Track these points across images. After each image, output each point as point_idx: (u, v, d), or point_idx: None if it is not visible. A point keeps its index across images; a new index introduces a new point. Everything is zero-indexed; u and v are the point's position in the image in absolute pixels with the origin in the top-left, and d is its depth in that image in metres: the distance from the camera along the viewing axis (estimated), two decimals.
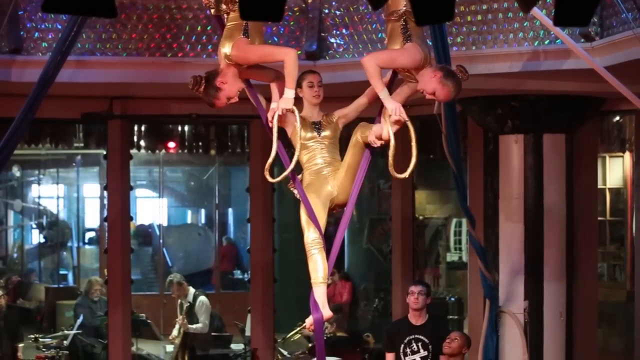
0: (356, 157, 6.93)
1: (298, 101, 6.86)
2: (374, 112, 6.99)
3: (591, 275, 11.47)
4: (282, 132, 6.88)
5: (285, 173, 6.79)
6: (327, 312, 6.88)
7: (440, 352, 9.12)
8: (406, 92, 6.94)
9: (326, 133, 7.05)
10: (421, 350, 9.21)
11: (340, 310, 13.61)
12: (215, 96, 6.73)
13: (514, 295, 10.43)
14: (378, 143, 6.77)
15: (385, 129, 6.72)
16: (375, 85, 6.74)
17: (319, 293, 6.85)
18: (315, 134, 7.02)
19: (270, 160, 6.73)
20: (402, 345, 9.28)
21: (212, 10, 7.04)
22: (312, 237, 6.80)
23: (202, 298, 13.33)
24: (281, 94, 6.79)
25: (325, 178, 6.93)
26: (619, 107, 10.71)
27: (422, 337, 9.24)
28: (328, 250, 6.87)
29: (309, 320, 6.94)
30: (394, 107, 6.64)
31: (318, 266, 6.83)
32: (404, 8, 6.76)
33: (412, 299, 9.40)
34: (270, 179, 6.86)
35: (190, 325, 13.14)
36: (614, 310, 13.68)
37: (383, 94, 6.72)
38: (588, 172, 11.44)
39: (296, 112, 6.82)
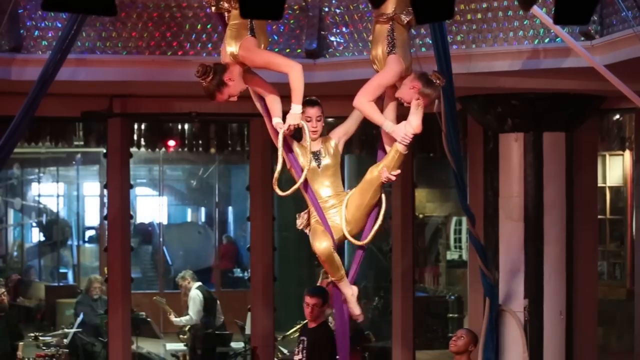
0: (374, 199, 6.93)
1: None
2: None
3: (591, 274, 11.47)
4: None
5: (295, 187, 6.76)
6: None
7: (314, 356, 8.89)
8: (394, 106, 6.98)
9: (327, 162, 7.02)
10: (302, 352, 8.92)
11: None
12: (220, 90, 6.70)
13: (514, 293, 10.42)
14: (393, 178, 6.83)
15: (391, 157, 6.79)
16: (377, 121, 6.77)
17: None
18: (315, 164, 6.98)
19: (276, 175, 6.71)
20: (297, 344, 9.12)
21: (213, 8, 7.03)
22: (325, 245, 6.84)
23: (192, 292, 13.53)
24: (277, 110, 6.81)
25: (331, 216, 6.92)
26: (619, 106, 10.71)
27: (304, 339, 8.97)
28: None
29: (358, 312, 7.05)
30: (404, 135, 6.68)
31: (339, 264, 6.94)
32: (393, 13, 6.78)
33: (306, 310, 8.90)
34: (279, 193, 6.82)
35: (174, 319, 13.45)
36: (613, 309, 13.69)
37: (387, 126, 6.74)
38: (588, 171, 11.44)
39: (305, 126, 6.78)
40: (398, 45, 6.80)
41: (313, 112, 6.94)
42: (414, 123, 6.70)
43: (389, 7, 6.81)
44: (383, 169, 6.81)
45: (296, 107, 6.68)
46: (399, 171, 6.80)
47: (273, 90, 6.95)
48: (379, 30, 6.88)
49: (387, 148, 6.99)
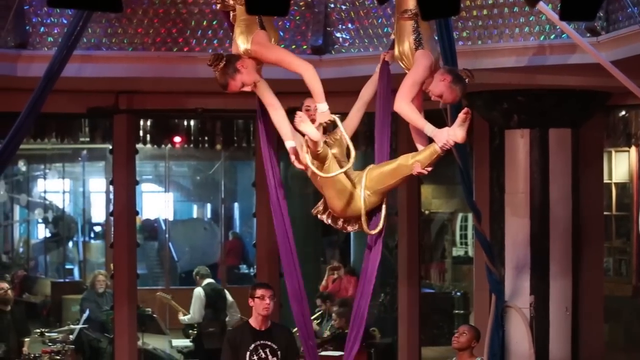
0: (399, 183, 7.03)
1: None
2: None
3: (597, 270, 11.45)
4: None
5: (341, 171, 6.84)
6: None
7: (288, 358, 8.58)
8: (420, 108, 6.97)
9: (333, 151, 7.03)
10: (269, 357, 8.49)
11: (346, 304, 13.59)
12: (233, 77, 6.67)
13: (519, 289, 10.42)
14: (425, 173, 6.82)
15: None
16: (419, 124, 6.76)
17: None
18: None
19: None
20: (248, 353, 8.46)
21: (219, 5, 7.03)
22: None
23: (196, 291, 13.65)
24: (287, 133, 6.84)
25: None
26: (625, 102, 10.70)
27: (269, 343, 8.52)
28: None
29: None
30: (445, 142, 6.65)
31: None
32: (416, 8, 6.76)
33: (263, 305, 8.59)
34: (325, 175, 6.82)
35: (181, 317, 13.75)
36: (619, 305, 13.68)
37: (428, 130, 6.71)
38: (594, 167, 11.43)
39: (338, 121, 6.79)
40: (425, 40, 6.80)
41: (312, 101, 6.92)
42: (459, 134, 6.68)
43: (411, 3, 6.79)
44: (416, 163, 6.79)
45: (322, 106, 6.66)
46: (431, 168, 6.80)
47: (277, 105, 6.94)
48: (403, 27, 6.86)
49: (419, 143, 6.98)
